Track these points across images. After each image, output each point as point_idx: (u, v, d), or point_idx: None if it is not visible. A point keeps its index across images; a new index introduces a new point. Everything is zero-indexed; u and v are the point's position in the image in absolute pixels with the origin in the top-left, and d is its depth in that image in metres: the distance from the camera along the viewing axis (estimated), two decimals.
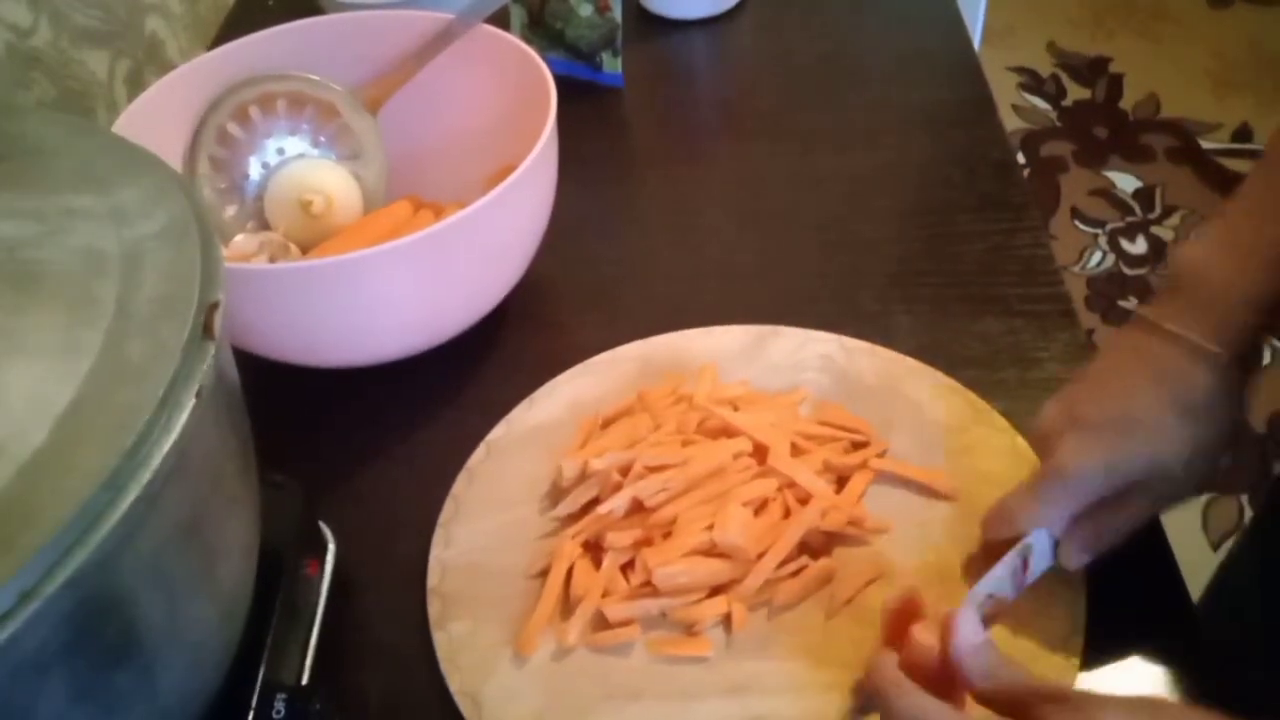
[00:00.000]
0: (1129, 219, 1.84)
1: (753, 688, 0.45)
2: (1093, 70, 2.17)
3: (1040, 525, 0.44)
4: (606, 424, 0.55)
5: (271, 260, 0.61)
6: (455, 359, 0.61)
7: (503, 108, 0.64)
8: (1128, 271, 1.75)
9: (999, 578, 0.42)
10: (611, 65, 0.81)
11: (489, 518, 0.52)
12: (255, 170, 0.65)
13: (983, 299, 0.61)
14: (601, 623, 0.47)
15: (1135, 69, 2.16)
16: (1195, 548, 1.37)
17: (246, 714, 0.40)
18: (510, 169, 0.53)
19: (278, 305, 0.53)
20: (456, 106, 0.67)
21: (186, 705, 0.35)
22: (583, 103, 0.79)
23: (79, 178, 0.35)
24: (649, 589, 0.47)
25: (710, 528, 0.47)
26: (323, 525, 0.51)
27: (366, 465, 0.57)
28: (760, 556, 0.47)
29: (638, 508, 0.49)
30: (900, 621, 0.42)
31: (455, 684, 0.46)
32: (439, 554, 0.51)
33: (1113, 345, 0.46)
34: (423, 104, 0.67)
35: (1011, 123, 2.04)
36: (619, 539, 0.48)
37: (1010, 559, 0.43)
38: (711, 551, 0.47)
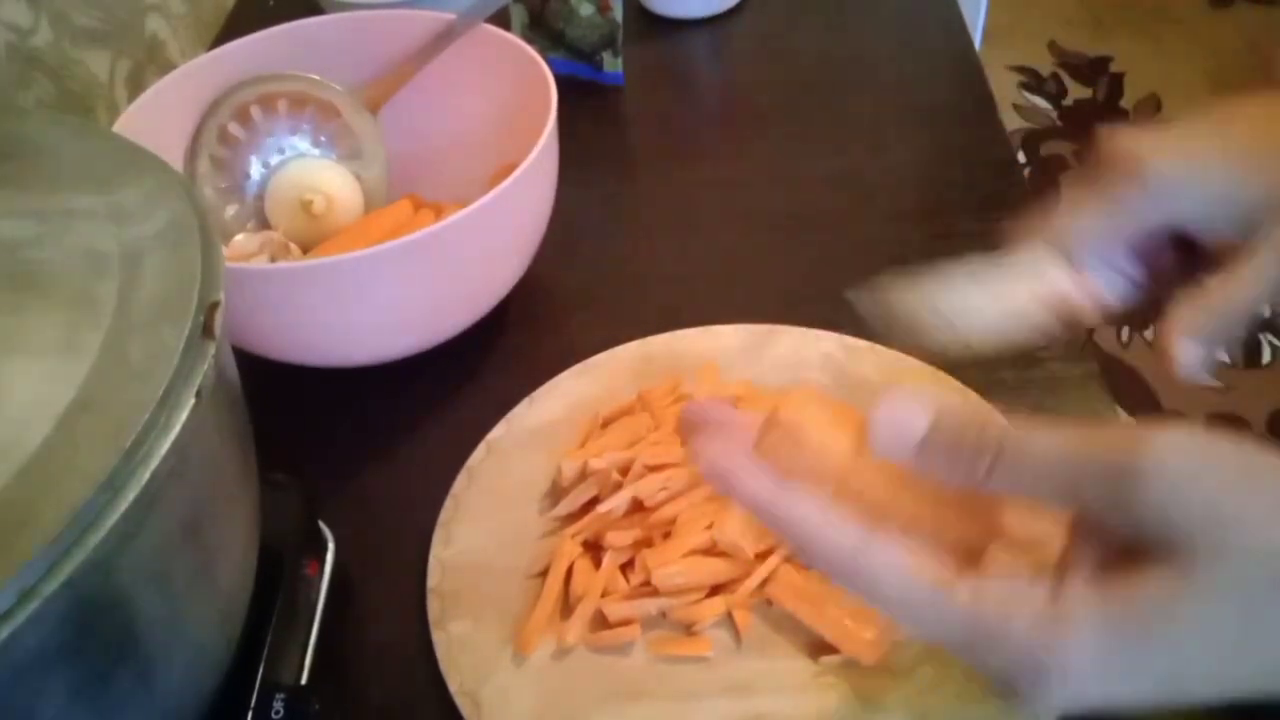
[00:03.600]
0: None
1: (753, 687, 0.45)
2: (1093, 70, 2.17)
3: (1083, 237, 0.29)
4: (606, 423, 0.55)
5: (271, 260, 0.61)
6: (455, 359, 0.61)
7: (503, 108, 0.64)
8: None
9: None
10: (612, 65, 0.81)
11: (489, 517, 0.52)
12: (256, 170, 0.65)
13: None
14: (601, 622, 0.47)
15: (1136, 68, 2.16)
16: None
17: (245, 714, 0.40)
18: (510, 169, 0.53)
19: (278, 305, 0.53)
20: (456, 106, 0.67)
21: (186, 705, 0.35)
22: (583, 103, 0.79)
23: (79, 178, 0.35)
24: (649, 589, 0.47)
25: (710, 527, 0.47)
26: (323, 525, 0.51)
27: (366, 465, 0.57)
28: (760, 556, 0.47)
29: (637, 507, 0.49)
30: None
31: (455, 684, 0.46)
32: (439, 554, 0.51)
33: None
34: (423, 104, 0.67)
35: (1012, 122, 2.04)
36: (619, 538, 0.48)
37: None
38: (711, 551, 0.47)
